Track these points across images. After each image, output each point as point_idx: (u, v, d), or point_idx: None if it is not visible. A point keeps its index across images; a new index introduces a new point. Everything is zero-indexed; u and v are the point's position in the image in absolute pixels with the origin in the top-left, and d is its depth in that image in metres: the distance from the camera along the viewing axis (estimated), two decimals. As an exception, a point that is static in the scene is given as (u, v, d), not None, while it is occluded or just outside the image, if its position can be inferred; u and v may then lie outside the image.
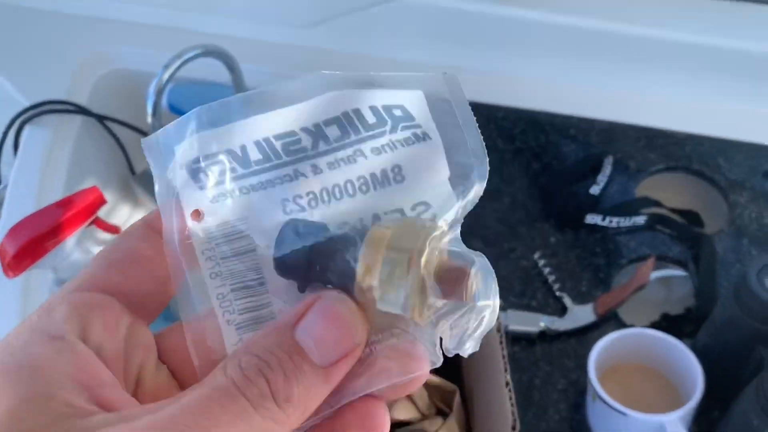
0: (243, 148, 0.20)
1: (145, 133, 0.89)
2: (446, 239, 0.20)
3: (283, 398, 0.17)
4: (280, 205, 0.20)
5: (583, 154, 0.85)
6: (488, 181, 0.21)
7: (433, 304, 0.19)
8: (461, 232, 0.21)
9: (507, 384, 0.45)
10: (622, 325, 0.69)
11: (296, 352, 0.18)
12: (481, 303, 0.20)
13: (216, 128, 0.20)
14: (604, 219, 0.76)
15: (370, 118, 0.20)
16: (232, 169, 0.20)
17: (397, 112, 0.20)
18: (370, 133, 0.20)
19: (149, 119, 0.85)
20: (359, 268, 0.19)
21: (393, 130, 0.20)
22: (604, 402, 0.57)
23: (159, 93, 0.84)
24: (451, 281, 0.19)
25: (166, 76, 0.84)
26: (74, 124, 0.93)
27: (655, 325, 0.72)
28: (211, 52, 0.86)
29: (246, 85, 0.91)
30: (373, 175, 0.20)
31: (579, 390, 0.64)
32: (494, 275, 0.20)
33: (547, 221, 0.78)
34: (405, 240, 0.19)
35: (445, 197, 0.20)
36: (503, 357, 0.46)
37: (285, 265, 0.20)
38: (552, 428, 0.63)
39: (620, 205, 0.78)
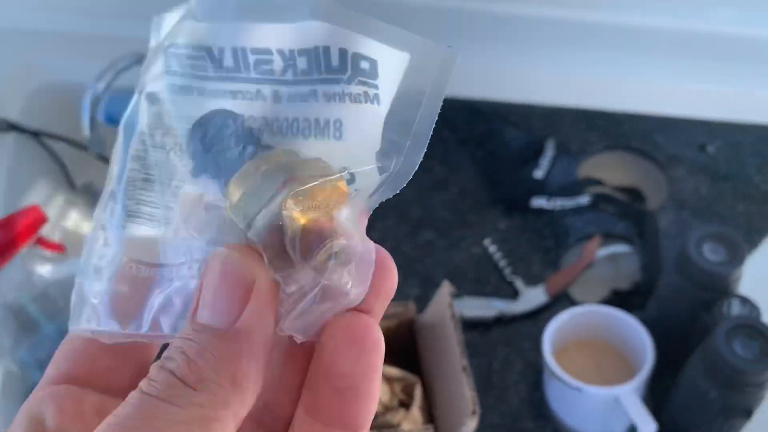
0: (221, 50, 0.19)
1: (83, 147, 0.87)
2: (345, 211, 0.18)
3: (194, 380, 0.16)
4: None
5: (525, 139, 0.86)
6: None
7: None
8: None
9: (464, 369, 0.46)
10: (574, 303, 0.71)
11: (200, 331, 0.17)
12: (329, 283, 0.17)
13: (205, 22, 0.19)
14: (549, 201, 0.78)
15: (335, 61, 0.19)
16: (204, 68, 0.19)
17: (364, 65, 0.19)
18: (328, 76, 0.19)
19: (86, 133, 0.83)
20: (238, 172, 0.18)
21: (348, 81, 0.19)
22: (559, 379, 0.59)
23: (94, 105, 0.82)
24: (307, 241, 0.17)
25: (100, 87, 0.82)
26: (7, 141, 0.91)
27: (605, 302, 0.74)
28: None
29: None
30: (316, 120, 0.19)
31: (537, 370, 0.66)
32: (371, 268, 0.18)
33: (495, 208, 0.79)
34: (298, 171, 0.18)
35: (366, 173, 0.19)
36: (459, 342, 0.46)
37: (196, 136, 0.19)
38: (513, 409, 0.64)
39: (564, 187, 0.80)
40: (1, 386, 0.69)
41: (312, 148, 0.19)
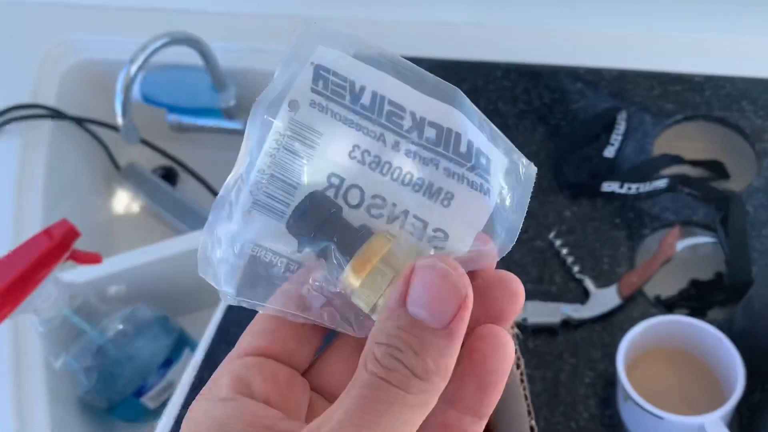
0: (362, 89, 0.23)
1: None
2: None
3: (422, 371, 0.20)
4: (350, 147, 0.23)
5: (593, 110, 0.78)
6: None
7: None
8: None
9: (532, 429, 0.41)
10: (648, 300, 0.65)
11: (415, 326, 0.21)
12: None
13: (356, 61, 0.23)
14: (621, 186, 0.70)
15: (462, 148, 0.23)
16: (342, 96, 0.23)
17: (483, 160, 0.23)
18: (454, 157, 0.23)
19: (119, 120, 0.79)
20: (350, 264, 0.22)
21: (471, 169, 0.23)
22: (638, 405, 0.53)
23: (127, 89, 0.78)
24: None
25: (133, 70, 0.77)
26: (45, 128, 0.87)
27: (683, 294, 0.68)
28: (179, 40, 0.79)
29: (220, 66, 0.84)
30: (430, 183, 0.23)
31: (608, 381, 0.60)
32: None
33: (560, 193, 0.72)
34: (400, 260, 0.22)
35: (462, 242, 0.23)
36: (526, 398, 0.41)
37: (299, 223, 0.23)
38: (582, 427, 0.59)
39: (638, 167, 0.72)
40: (50, 391, 0.69)
41: (419, 202, 0.23)
